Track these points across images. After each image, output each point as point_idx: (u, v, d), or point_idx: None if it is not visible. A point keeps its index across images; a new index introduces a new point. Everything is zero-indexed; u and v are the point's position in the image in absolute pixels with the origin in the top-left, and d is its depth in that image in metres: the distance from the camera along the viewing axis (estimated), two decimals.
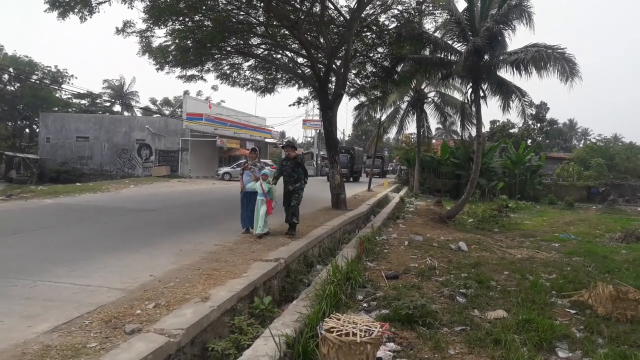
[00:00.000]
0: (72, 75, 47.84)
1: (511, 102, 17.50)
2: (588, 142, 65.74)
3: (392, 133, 36.88)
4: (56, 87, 46.51)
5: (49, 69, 46.74)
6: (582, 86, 15.13)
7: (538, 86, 68.49)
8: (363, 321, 4.32)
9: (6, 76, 44.57)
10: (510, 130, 47.79)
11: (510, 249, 11.39)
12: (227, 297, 5.19)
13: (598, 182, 34.45)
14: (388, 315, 5.55)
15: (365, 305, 6.10)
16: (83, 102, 54.32)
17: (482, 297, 6.69)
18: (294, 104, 23.28)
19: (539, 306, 6.33)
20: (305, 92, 23.22)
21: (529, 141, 46.68)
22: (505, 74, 16.88)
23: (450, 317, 5.74)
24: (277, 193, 9.71)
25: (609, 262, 10.24)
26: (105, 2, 13.20)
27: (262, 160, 10.48)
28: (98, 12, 13.40)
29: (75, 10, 13.06)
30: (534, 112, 50.02)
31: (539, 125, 57.71)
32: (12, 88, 46.10)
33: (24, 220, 11.23)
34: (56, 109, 45.64)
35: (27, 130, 50.77)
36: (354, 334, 3.95)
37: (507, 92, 17.25)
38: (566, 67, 15.04)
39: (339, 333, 3.98)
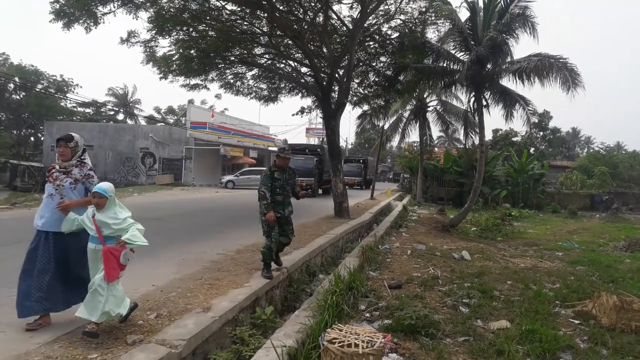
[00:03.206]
0: (77, 85, 48.17)
1: (515, 111, 17.57)
2: (591, 150, 65.65)
3: (395, 141, 36.96)
4: (61, 96, 46.80)
5: (54, 78, 47.07)
6: (585, 94, 15.19)
7: (540, 95, 68.70)
8: (365, 332, 4.30)
9: (12, 85, 44.90)
10: (513, 139, 47.76)
11: (514, 258, 11.34)
12: (229, 307, 5.19)
13: (601, 191, 34.39)
14: (391, 325, 5.53)
15: (367, 315, 6.08)
16: (87, 110, 54.61)
17: (485, 307, 6.65)
18: (297, 114, 23.46)
19: (543, 316, 6.30)
20: (308, 101, 23.35)
21: (532, 149, 46.64)
22: (508, 82, 16.97)
23: (453, 327, 5.72)
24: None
25: (612, 272, 10.19)
26: (110, 13, 13.31)
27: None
28: (103, 22, 13.50)
29: (81, 21, 13.17)
30: (537, 121, 50.02)
31: (541, 133, 57.62)
32: (18, 97, 46.45)
33: (28, 229, 11.21)
34: (61, 117, 45.90)
35: (32, 138, 51.07)
36: (356, 345, 3.94)
37: (510, 101, 17.31)
38: (569, 77, 15.12)
39: (341, 344, 3.97)
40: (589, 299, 6.95)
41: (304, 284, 7.79)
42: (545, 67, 15.44)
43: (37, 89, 44.56)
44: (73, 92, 47.18)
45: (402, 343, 5.07)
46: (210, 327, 4.65)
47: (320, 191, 29.35)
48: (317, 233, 11.40)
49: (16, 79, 43.36)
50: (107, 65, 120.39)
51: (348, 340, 4.01)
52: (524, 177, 31.98)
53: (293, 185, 7.04)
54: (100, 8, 13.12)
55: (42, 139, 44.02)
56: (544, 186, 34.24)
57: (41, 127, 44.52)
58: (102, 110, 57.58)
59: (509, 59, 16.65)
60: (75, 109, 51.00)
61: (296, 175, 7.26)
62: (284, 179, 6.85)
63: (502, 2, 16.05)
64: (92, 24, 13.36)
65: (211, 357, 4.49)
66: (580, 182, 36.86)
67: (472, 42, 16.70)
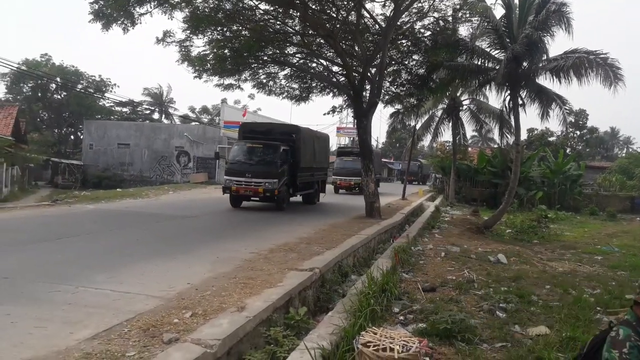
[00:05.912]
0: (114, 84, 49.54)
1: (551, 110, 17.09)
2: (631, 150, 63.41)
3: (426, 141, 36.41)
4: (100, 96, 48.13)
5: (93, 78, 48.53)
6: (624, 93, 14.70)
7: (576, 93, 66.52)
8: (400, 335, 4.24)
9: (54, 85, 46.44)
10: (549, 139, 46.50)
11: (551, 262, 11.04)
12: (263, 307, 5.18)
13: None
14: (425, 329, 5.44)
15: (401, 318, 6.00)
16: (124, 110, 55.99)
17: (523, 312, 6.49)
18: (328, 113, 23.22)
19: (584, 323, 6.08)
20: (339, 100, 23.21)
21: (568, 150, 45.30)
22: (545, 81, 16.54)
23: (490, 332, 5.59)
24: None
25: None
26: (146, 13, 13.55)
27: None
28: (140, 23, 13.75)
29: (119, 21, 13.46)
30: (573, 120, 48.61)
31: (578, 133, 55.96)
32: (59, 96, 48.05)
33: (68, 225, 11.58)
34: (99, 116, 47.24)
35: (72, 137, 52.74)
36: (392, 349, 3.89)
37: (546, 99, 16.85)
38: (610, 72, 14.65)
39: (375, 348, 3.92)
40: None
41: (336, 284, 7.75)
42: (583, 64, 14.98)
43: (77, 89, 45.93)
44: (111, 91, 48.58)
45: (437, 348, 4.97)
46: (245, 327, 4.65)
47: (299, 197, 19.34)
48: (348, 233, 11.34)
49: (58, 79, 44.78)
50: (143, 65, 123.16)
51: (383, 344, 3.96)
52: (560, 178, 31.11)
53: None
54: (137, 9, 13.38)
55: (81, 137, 45.37)
56: (581, 187, 33.18)
57: (81, 126, 45.88)
58: (138, 109, 58.90)
59: (545, 57, 16.23)
60: (112, 108, 52.46)
61: None
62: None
63: None
64: (129, 24, 13.62)
65: (246, 358, 4.49)
66: (620, 184, 35.58)
67: (508, 40, 16.34)
